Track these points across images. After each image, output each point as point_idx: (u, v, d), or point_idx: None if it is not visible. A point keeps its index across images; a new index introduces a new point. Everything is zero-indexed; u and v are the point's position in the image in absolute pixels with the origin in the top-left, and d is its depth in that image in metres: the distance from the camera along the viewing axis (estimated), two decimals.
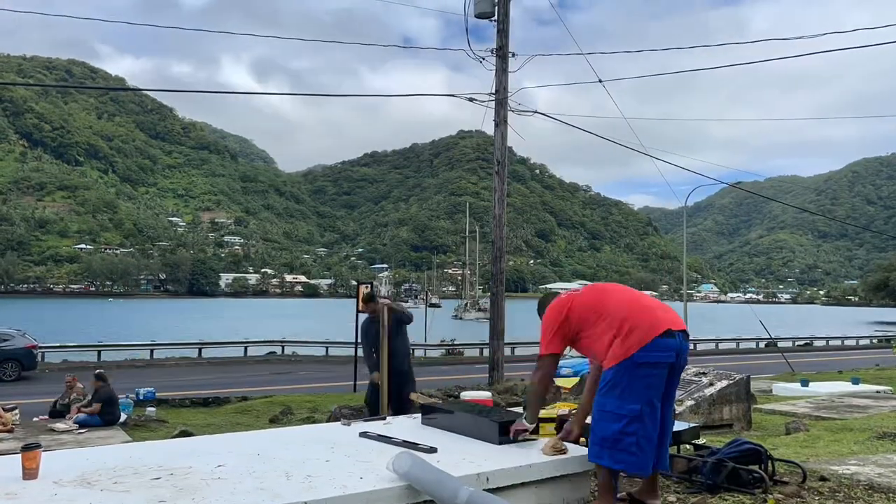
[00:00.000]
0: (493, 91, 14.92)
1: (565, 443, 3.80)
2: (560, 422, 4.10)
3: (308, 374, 23.97)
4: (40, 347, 23.37)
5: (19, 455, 3.20)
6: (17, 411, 11.69)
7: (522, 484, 3.52)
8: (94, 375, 12.34)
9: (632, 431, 3.48)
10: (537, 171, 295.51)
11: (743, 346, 38.50)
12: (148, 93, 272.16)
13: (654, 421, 3.59)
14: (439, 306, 77.67)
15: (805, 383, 14.11)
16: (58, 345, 26.96)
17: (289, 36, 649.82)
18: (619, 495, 3.82)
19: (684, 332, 3.72)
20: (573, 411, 4.16)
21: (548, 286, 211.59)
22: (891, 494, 4.09)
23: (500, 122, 14.72)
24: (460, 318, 67.52)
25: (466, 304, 77.80)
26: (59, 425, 11.36)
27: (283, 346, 31.08)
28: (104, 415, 11.78)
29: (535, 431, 3.99)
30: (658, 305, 3.83)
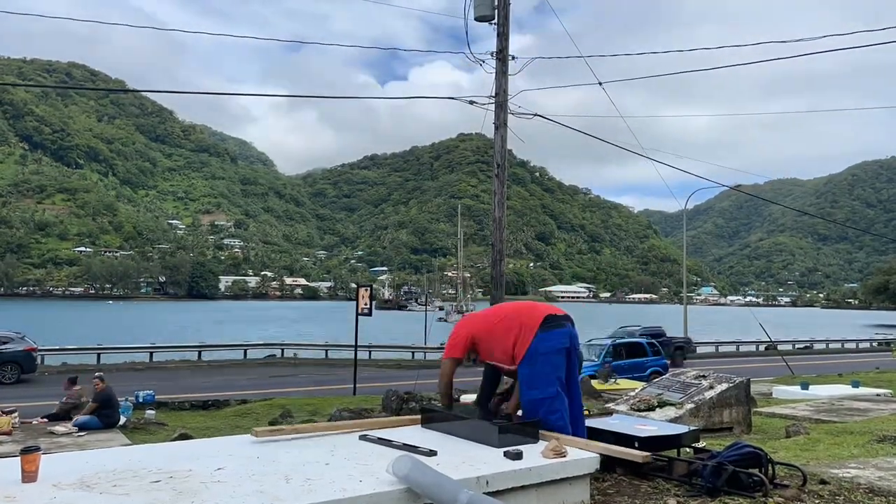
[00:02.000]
0: (493, 94, 14.91)
1: (565, 446, 3.82)
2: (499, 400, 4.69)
3: (308, 376, 23.93)
4: (39, 350, 23.35)
5: (19, 458, 3.20)
6: (16, 414, 11.67)
7: (522, 487, 3.52)
8: (96, 377, 12.36)
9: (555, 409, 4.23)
10: (537, 174, 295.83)
11: (743, 349, 38.47)
12: (148, 95, 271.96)
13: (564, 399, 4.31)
14: (442, 309, 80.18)
15: (805, 386, 14.09)
16: (57, 348, 26.90)
17: (290, 39, 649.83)
18: None
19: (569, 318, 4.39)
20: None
21: (547, 289, 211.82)
22: (891, 498, 4.08)
23: (500, 125, 14.68)
24: (446, 321, 68.66)
25: (453, 307, 79.42)
26: (59, 428, 11.34)
27: (282, 349, 31.02)
28: (103, 417, 11.77)
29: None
30: (536, 304, 4.58)
